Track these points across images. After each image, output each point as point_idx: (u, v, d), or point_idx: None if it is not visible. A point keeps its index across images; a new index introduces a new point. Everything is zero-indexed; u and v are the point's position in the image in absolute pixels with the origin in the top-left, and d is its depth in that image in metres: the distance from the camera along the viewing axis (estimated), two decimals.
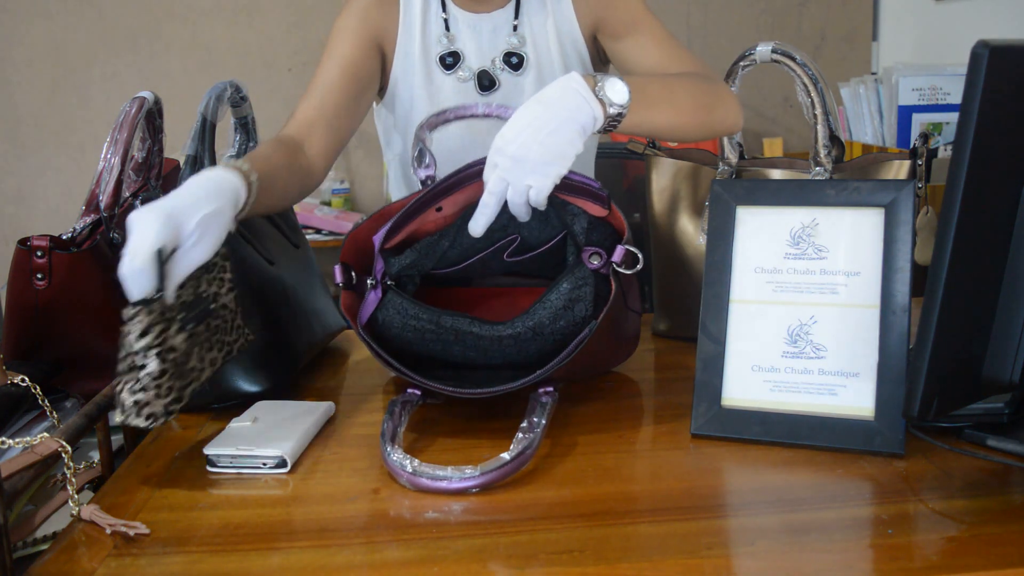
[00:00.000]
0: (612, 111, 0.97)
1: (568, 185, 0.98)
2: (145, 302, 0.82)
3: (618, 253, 0.95)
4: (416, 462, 0.84)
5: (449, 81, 1.30)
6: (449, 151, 1.24)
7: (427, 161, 1.08)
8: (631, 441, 0.94)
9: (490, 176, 0.96)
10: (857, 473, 0.84)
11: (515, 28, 1.29)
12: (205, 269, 0.93)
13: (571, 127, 0.94)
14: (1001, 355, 0.81)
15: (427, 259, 1.04)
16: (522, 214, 0.98)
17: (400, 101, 1.33)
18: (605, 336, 0.99)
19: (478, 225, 0.98)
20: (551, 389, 0.96)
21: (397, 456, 0.85)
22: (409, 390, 0.99)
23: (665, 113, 1.08)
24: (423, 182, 1.08)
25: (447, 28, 1.29)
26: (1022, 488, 0.80)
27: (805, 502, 0.79)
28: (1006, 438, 0.85)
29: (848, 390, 0.90)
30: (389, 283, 1.00)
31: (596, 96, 0.96)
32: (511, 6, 1.30)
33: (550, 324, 0.94)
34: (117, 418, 0.85)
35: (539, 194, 0.95)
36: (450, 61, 1.29)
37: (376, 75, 1.29)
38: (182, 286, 0.87)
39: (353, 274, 1.02)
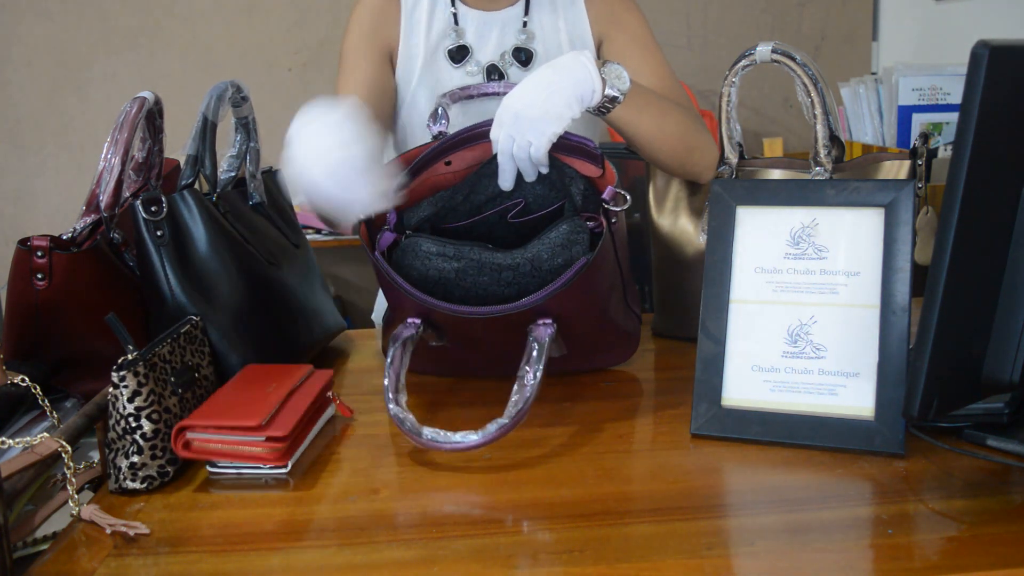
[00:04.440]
0: (609, 92, 1.05)
1: (566, 145, 1.05)
2: (128, 364, 0.84)
3: (608, 192, 0.99)
4: (420, 424, 0.89)
5: (458, 75, 1.31)
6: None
7: (440, 117, 1.15)
8: (631, 441, 0.94)
9: (498, 134, 1.03)
10: (857, 473, 0.84)
11: (524, 24, 1.30)
12: (188, 340, 0.96)
13: (571, 92, 1.02)
14: (1001, 355, 0.81)
15: (442, 212, 1.09)
16: (529, 171, 1.05)
17: (400, 102, 1.33)
18: (602, 289, 1.00)
19: (505, 181, 1.06)
20: (549, 320, 0.96)
21: (401, 413, 0.90)
22: (409, 319, 0.99)
23: (652, 125, 1.14)
24: (435, 137, 1.14)
25: (456, 22, 1.30)
26: (1022, 488, 0.80)
27: (805, 502, 0.79)
28: (1006, 438, 0.85)
29: (848, 390, 0.90)
30: (408, 233, 1.04)
31: (600, 73, 1.04)
32: (521, 4, 1.32)
33: (548, 259, 0.96)
34: (111, 485, 0.85)
35: (538, 151, 1.02)
36: (458, 55, 1.29)
37: (393, 87, 1.31)
38: (171, 353, 0.92)
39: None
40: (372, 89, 1.26)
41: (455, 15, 1.30)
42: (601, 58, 1.05)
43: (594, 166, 1.06)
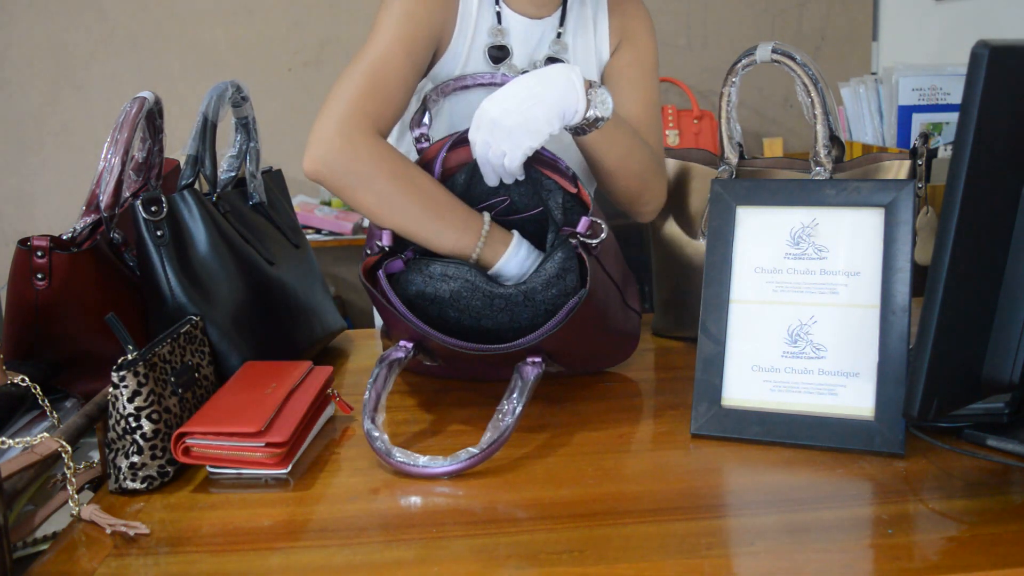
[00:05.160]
0: (591, 114, 1.02)
1: (540, 159, 1.03)
2: (128, 364, 0.84)
3: (583, 224, 0.97)
4: (391, 445, 0.88)
5: None
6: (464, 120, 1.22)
7: (423, 120, 1.12)
8: (631, 441, 0.94)
9: (475, 137, 1.01)
10: (857, 473, 0.84)
11: (559, 36, 1.29)
12: (188, 340, 0.96)
13: (554, 108, 0.99)
14: (1001, 355, 0.81)
15: None
16: (504, 177, 1.04)
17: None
18: (596, 314, 0.99)
19: (488, 180, 1.05)
20: (539, 360, 0.95)
21: (375, 432, 0.89)
22: (401, 342, 0.99)
23: (617, 158, 1.12)
24: (417, 139, 1.11)
25: (499, 21, 1.27)
26: (1022, 488, 0.80)
27: (805, 502, 0.79)
28: (1006, 438, 0.85)
29: (848, 390, 0.90)
30: (419, 256, 1.02)
31: (586, 94, 1.01)
32: (558, 14, 1.31)
33: (542, 291, 0.95)
34: (111, 485, 0.85)
35: (512, 162, 1.00)
36: (498, 55, 1.27)
37: (419, 73, 1.22)
38: (170, 353, 0.91)
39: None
40: (413, 58, 1.16)
41: (499, 14, 1.28)
42: (589, 80, 1.01)
43: (569, 184, 1.04)
